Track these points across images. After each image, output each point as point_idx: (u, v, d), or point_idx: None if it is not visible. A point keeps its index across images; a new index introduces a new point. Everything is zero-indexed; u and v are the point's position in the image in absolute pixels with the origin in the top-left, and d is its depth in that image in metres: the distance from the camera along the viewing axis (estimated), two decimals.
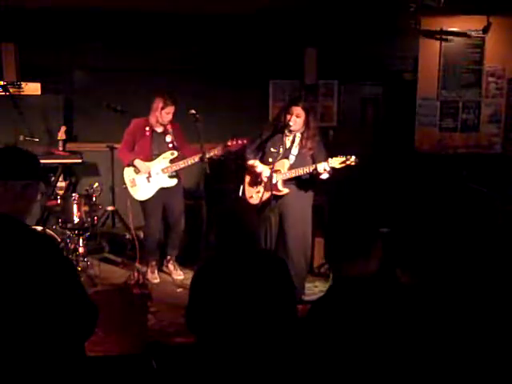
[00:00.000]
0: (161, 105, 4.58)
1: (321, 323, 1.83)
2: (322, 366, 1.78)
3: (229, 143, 4.48)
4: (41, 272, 1.81)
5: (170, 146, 4.74)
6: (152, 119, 4.66)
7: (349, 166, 3.99)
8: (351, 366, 1.75)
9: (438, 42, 6.18)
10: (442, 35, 6.13)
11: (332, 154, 4.09)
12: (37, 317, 1.81)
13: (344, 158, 3.97)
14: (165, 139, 4.74)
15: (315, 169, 4.03)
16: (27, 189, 1.93)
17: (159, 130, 4.73)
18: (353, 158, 3.97)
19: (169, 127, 4.72)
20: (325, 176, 4.05)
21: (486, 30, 6.09)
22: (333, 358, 1.76)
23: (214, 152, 4.50)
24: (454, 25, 6.16)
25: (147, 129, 4.68)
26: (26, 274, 1.79)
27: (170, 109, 4.61)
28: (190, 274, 4.71)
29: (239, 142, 4.47)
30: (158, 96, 4.61)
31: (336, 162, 3.98)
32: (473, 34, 6.17)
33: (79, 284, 1.97)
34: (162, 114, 4.61)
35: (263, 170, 4.21)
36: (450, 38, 6.15)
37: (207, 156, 4.43)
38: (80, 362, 1.97)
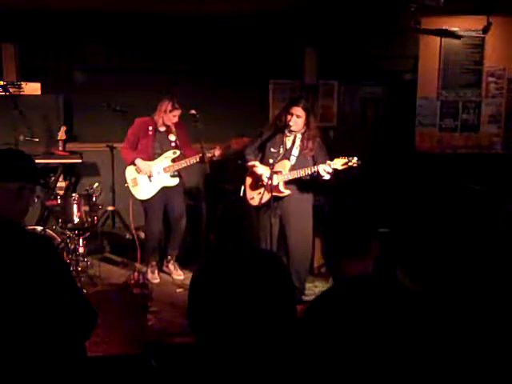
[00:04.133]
0: (169, 108, 4.59)
1: (317, 323, 1.83)
2: (318, 366, 1.78)
3: (232, 142, 4.46)
4: (38, 274, 1.80)
5: (173, 144, 4.74)
6: (158, 119, 4.67)
7: (351, 167, 3.95)
8: (346, 366, 1.74)
9: (437, 42, 6.18)
10: (441, 35, 6.13)
11: (332, 154, 4.08)
12: (34, 318, 1.81)
13: (346, 160, 3.92)
14: (168, 138, 4.74)
15: (316, 170, 4.00)
16: (23, 191, 1.92)
17: (162, 129, 4.73)
18: (355, 159, 3.92)
19: (172, 126, 4.72)
20: (326, 177, 4.01)
21: (486, 30, 6.08)
22: (328, 358, 1.76)
23: (215, 152, 4.50)
24: (454, 25, 6.16)
25: (150, 128, 4.68)
26: (24, 277, 1.79)
27: (178, 112, 4.62)
28: (189, 274, 4.71)
29: (241, 140, 4.46)
30: (166, 98, 4.61)
31: (338, 163, 3.94)
32: (473, 33, 6.17)
33: (76, 286, 1.97)
34: (169, 117, 4.62)
35: (263, 171, 4.20)
36: (449, 37, 6.15)
37: (208, 156, 4.43)
38: (80, 363, 1.97)
